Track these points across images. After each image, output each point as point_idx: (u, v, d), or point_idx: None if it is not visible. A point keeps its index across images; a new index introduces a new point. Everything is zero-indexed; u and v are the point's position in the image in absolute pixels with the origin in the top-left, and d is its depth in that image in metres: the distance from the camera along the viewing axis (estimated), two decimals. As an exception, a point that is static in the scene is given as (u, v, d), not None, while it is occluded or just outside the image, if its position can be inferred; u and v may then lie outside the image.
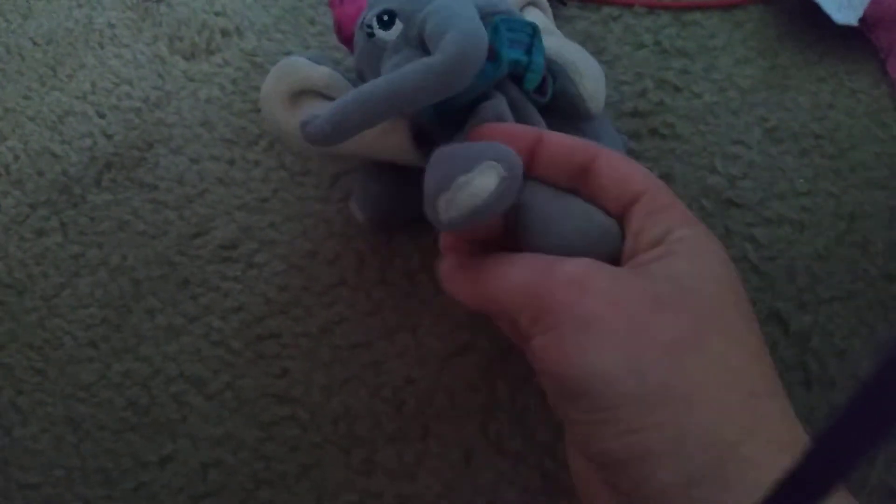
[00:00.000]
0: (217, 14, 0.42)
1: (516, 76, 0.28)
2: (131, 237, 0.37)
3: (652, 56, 0.38)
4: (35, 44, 0.44)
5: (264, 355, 0.33)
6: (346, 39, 0.32)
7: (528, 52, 0.27)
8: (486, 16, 0.27)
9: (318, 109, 0.25)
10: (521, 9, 0.32)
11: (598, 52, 0.38)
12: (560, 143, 0.24)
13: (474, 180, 0.21)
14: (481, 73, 0.25)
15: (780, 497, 0.12)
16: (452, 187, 0.22)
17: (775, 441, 0.19)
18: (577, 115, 0.29)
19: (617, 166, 0.24)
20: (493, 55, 0.26)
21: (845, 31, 0.36)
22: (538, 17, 0.33)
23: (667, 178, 0.34)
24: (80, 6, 0.45)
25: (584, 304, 0.20)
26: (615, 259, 0.23)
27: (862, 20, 0.36)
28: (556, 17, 0.34)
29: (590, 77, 0.29)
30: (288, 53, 0.40)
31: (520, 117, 0.27)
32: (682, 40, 0.38)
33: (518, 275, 0.22)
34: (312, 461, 0.31)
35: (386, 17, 0.28)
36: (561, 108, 0.29)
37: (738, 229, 0.33)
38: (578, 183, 0.24)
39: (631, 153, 0.35)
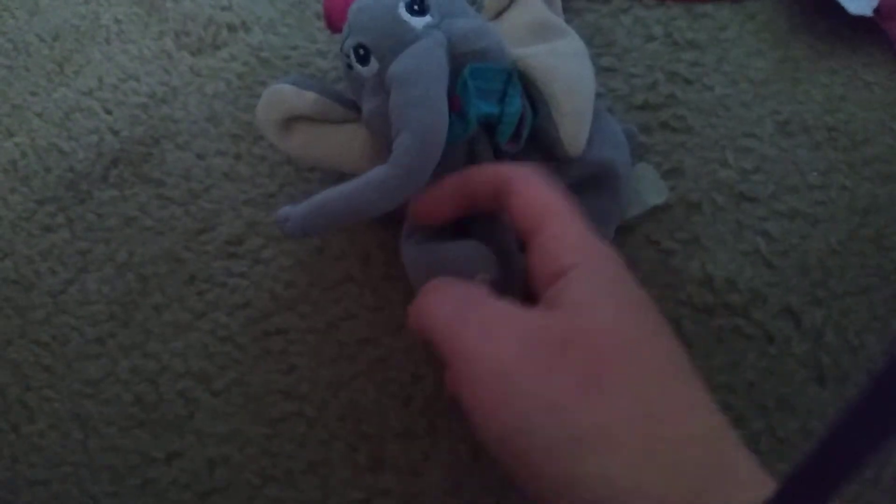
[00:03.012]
0: (223, 9, 0.42)
1: (488, 126, 0.27)
2: (138, 233, 0.37)
3: (662, 48, 0.37)
4: (42, 40, 0.44)
5: (271, 351, 0.33)
6: (335, 29, 0.32)
7: (501, 100, 0.26)
8: (458, 56, 0.26)
9: (291, 206, 0.28)
10: None
11: (607, 45, 0.37)
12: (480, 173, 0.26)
13: None
14: (449, 133, 0.25)
15: (787, 498, 0.12)
16: None
17: (701, 471, 0.19)
18: (555, 156, 0.28)
19: (525, 194, 0.24)
20: (459, 108, 0.25)
21: (859, 21, 0.36)
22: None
23: (678, 171, 0.34)
24: (86, 2, 0.45)
25: (496, 355, 0.21)
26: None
27: (876, 11, 0.35)
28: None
29: (572, 115, 0.27)
30: (294, 48, 0.40)
31: None
32: (693, 32, 0.37)
33: (441, 305, 0.23)
34: (319, 457, 0.31)
35: (362, 52, 0.27)
36: (539, 144, 0.28)
37: (750, 223, 0.33)
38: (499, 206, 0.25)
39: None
